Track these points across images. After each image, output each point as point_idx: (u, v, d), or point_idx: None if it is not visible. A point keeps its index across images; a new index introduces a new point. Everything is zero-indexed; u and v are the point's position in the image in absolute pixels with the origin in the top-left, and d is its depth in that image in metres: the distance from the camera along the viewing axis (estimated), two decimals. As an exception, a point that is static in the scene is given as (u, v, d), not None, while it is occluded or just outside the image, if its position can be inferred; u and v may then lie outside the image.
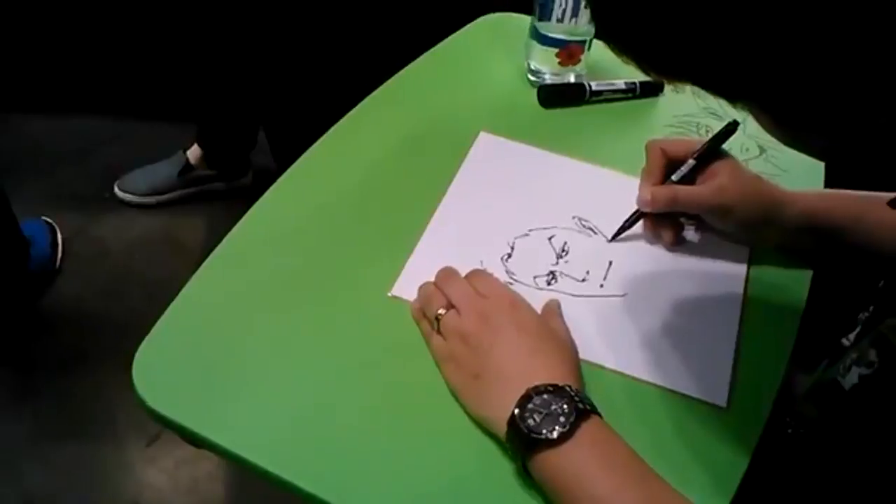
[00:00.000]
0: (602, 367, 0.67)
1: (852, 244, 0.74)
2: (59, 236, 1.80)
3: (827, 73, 0.39)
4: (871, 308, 0.60)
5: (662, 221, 0.78)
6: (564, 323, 0.68)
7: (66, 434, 1.51)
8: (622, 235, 0.79)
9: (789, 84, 0.41)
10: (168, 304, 0.69)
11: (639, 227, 0.79)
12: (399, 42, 1.12)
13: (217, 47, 1.72)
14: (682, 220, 0.80)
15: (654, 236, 0.79)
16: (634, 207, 0.79)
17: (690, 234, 0.80)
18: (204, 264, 0.72)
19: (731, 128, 0.77)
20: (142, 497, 1.43)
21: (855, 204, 0.76)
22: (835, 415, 0.57)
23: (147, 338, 0.66)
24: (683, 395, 0.66)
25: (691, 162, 0.76)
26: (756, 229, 0.76)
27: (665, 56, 0.42)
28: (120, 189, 1.92)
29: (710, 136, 0.78)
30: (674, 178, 0.77)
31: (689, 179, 0.77)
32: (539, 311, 0.67)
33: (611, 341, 0.69)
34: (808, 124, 0.44)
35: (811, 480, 0.60)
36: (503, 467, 0.59)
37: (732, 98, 0.44)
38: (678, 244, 0.79)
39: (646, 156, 0.79)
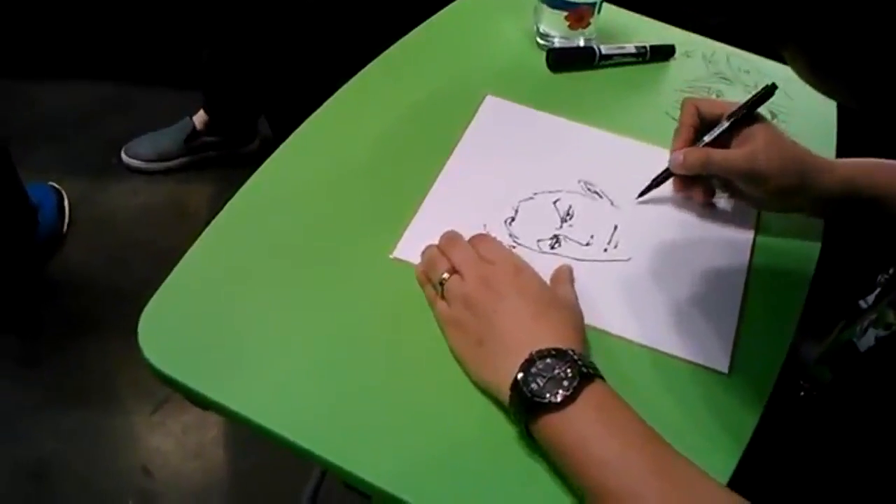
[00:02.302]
0: (606, 332, 0.67)
1: (892, 213, 0.71)
2: (66, 202, 1.80)
3: (868, 22, 0.38)
4: (892, 270, 0.59)
5: (692, 183, 0.76)
6: (573, 289, 0.68)
7: (74, 400, 1.52)
8: (649, 196, 0.78)
9: (831, 27, 0.39)
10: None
11: (667, 188, 0.78)
12: (407, 4, 1.10)
13: (223, 13, 1.71)
14: (714, 183, 0.78)
15: (684, 197, 0.77)
16: (642, 172, 0.78)
17: (722, 201, 0.78)
18: (209, 227, 0.72)
19: (769, 90, 0.74)
20: (149, 462, 1.44)
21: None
22: (849, 377, 0.57)
23: (152, 300, 0.66)
24: (686, 361, 0.65)
25: (724, 123, 0.74)
26: (790, 197, 0.72)
27: None
28: (127, 155, 1.92)
29: (747, 98, 0.75)
30: (706, 139, 0.74)
31: (722, 142, 0.74)
32: (542, 275, 0.67)
33: (614, 306, 0.69)
34: (843, 71, 0.42)
35: (823, 443, 0.59)
36: (506, 432, 0.59)
37: (771, 39, 0.43)
38: (708, 206, 0.77)
39: (680, 113, 0.76)
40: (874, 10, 0.37)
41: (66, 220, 1.79)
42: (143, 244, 1.77)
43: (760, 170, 0.71)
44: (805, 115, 0.91)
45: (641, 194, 0.78)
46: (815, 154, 0.73)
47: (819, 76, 0.44)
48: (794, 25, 0.41)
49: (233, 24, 1.71)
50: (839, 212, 0.74)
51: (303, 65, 1.72)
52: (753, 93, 0.75)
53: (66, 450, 1.45)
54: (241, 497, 1.42)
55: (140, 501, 1.39)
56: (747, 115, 0.74)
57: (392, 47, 0.94)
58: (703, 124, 0.75)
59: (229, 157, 1.94)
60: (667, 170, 0.77)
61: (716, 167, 0.73)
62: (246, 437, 1.46)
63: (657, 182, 0.78)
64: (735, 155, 0.72)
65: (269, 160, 0.78)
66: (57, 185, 1.81)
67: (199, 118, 1.90)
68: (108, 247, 1.77)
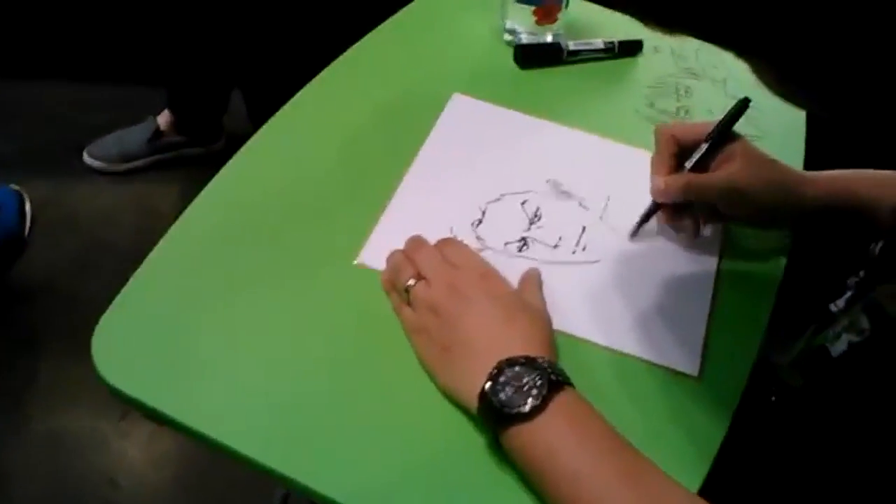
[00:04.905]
0: (574, 337, 0.65)
1: (874, 223, 0.69)
2: (28, 204, 1.76)
3: (835, 35, 0.37)
4: (862, 273, 0.58)
5: (681, 213, 0.73)
6: (542, 293, 0.66)
7: (39, 408, 1.48)
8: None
9: (796, 42, 0.38)
10: (140, 275, 0.66)
11: (654, 223, 0.75)
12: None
13: (188, 9, 1.67)
14: (699, 212, 0.74)
15: (674, 229, 0.74)
16: (611, 171, 0.76)
17: (708, 229, 0.75)
18: (165, 236, 0.69)
19: (742, 107, 0.72)
20: (116, 471, 1.41)
21: (876, 183, 0.71)
22: (821, 382, 0.56)
23: (107, 312, 0.64)
24: (656, 365, 0.64)
25: (703, 146, 0.70)
26: (772, 214, 0.71)
27: (672, 8, 0.40)
28: (89, 156, 1.87)
29: (721, 117, 0.72)
30: (687, 165, 0.71)
31: (702, 165, 0.71)
32: (510, 279, 0.65)
33: (583, 310, 0.67)
34: (813, 84, 0.41)
35: (794, 448, 0.59)
36: (476, 442, 0.57)
37: (738, 53, 0.41)
38: (698, 237, 0.74)
39: (655, 143, 0.73)
40: (844, 23, 0.36)
41: (29, 222, 1.74)
42: (108, 246, 1.73)
43: (740, 188, 0.68)
44: (773, 123, 0.89)
45: (634, 232, 0.74)
46: (794, 168, 0.72)
47: (789, 89, 0.43)
48: (762, 41, 0.40)
49: (199, 19, 1.67)
50: (820, 224, 0.72)
51: (283, 54, 1.69)
52: (727, 106, 0.71)
53: (31, 459, 1.41)
54: (212, 507, 1.39)
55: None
56: (723, 134, 0.71)
57: (356, 45, 0.92)
58: (682, 150, 0.72)
59: (195, 156, 1.91)
60: (653, 202, 0.73)
61: (697, 191, 0.70)
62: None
63: (647, 216, 0.74)
64: (714, 177, 0.70)
65: (228, 164, 0.76)
66: (18, 188, 1.76)
67: (164, 117, 1.86)
68: (73, 250, 1.73)
